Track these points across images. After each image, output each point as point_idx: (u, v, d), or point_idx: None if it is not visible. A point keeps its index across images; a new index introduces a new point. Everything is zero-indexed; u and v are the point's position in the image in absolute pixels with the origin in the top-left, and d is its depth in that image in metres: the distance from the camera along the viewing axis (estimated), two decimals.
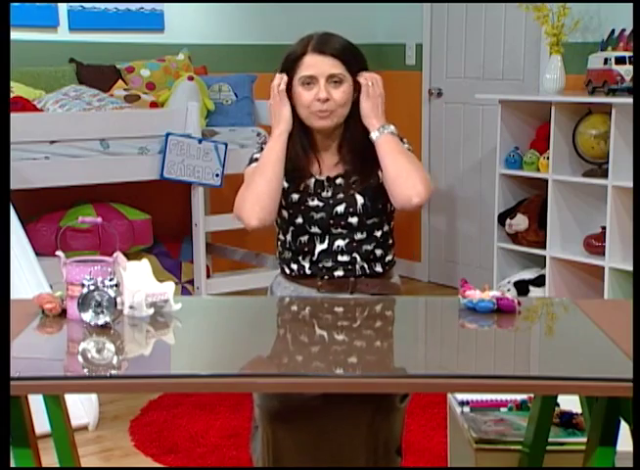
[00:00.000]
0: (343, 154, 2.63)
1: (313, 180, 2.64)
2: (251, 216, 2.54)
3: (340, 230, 2.62)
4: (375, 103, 2.57)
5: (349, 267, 2.63)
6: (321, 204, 2.62)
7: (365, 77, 2.58)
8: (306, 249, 2.64)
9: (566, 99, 4.73)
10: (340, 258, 2.63)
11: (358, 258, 2.63)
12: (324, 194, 2.63)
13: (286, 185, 2.62)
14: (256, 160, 2.66)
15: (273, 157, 2.57)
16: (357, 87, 2.60)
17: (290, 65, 2.58)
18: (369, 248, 2.64)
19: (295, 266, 2.65)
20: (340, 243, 2.63)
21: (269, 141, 2.61)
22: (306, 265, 2.64)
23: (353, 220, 2.60)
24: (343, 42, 2.59)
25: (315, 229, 2.62)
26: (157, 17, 5.45)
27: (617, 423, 2.08)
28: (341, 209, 2.61)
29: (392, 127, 2.58)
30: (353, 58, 2.59)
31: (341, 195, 2.61)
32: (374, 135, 2.56)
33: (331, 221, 2.61)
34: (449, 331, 2.40)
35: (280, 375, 2.00)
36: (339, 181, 2.63)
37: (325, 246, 2.63)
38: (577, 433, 2.62)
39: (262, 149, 2.67)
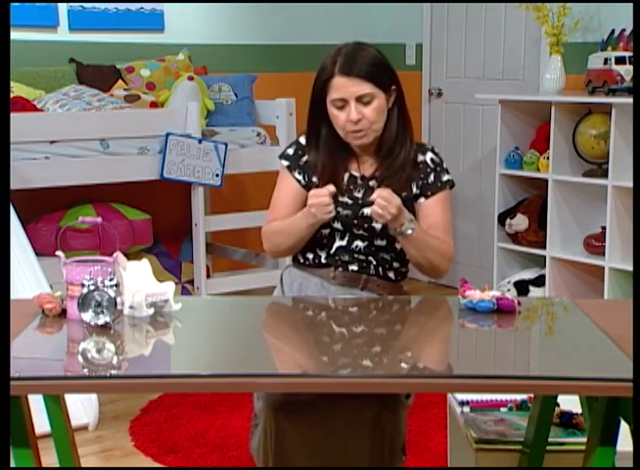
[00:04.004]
0: (380, 159, 2.67)
1: (347, 175, 2.67)
2: (272, 253, 2.76)
3: (361, 232, 2.64)
4: (387, 218, 2.52)
5: (364, 265, 2.64)
6: (350, 201, 2.65)
7: (376, 205, 2.51)
8: (325, 241, 2.66)
9: (566, 99, 4.73)
10: (356, 256, 2.65)
11: (374, 262, 2.65)
12: (355, 193, 2.66)
13: (316, 180, 2.66)
14: (287, 156, 2.72)
15: (299, 233, 2.62)
16: (390, 96, 2.62)
17: (320, 85, 2.61)
18: (386, 257, 2.67)
19: (310, 255, 2.68)
20: (359, 243, 2.65)
21: (303, 216, 2.60)
22: (322, 256, 2.66)
23: (377, 226, 2.63)
24: (372, 59, 2.58)
25: (338, 225, 2.64)
26: (157, 17, 5.45)
27: (617, 423, 2.08)
28: (368, 211, 2.61)
29: (410, 226, 2.55)
30: (382, 74, 2.59)
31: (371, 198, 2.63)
32: (391, 232, 2.58)
33: (355, 221, 2.63)
34: (449, 331, 2.40)
35: (280, 375, 2.00)
36: (372, 183, 2.66)
37: (344, 243, 2.66)
38: (577, 433, 2.62)
39: (297, 143, 2.72)
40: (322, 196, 2.53)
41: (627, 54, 4.57)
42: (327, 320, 2.43)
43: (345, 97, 2.56)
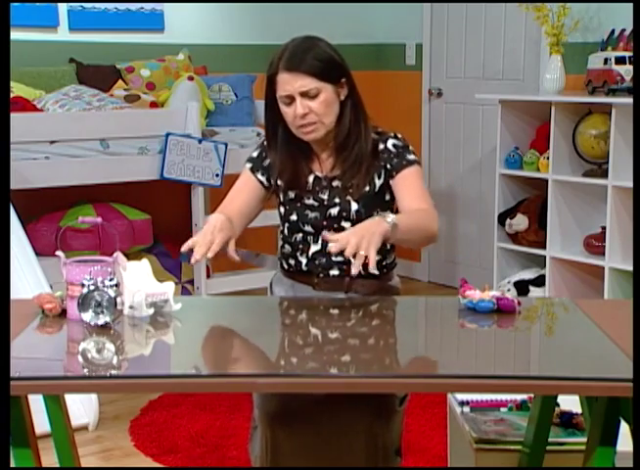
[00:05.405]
0: (338, 156, 2.64)
1: (313, 177, 2.65)
2: None
3: (333, 233, 2.61)
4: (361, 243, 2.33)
5: (344, 267, 2.62)
6: (316, 203, 2.63)
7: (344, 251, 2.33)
8: (301, 246, 2.64)
9: (566, 99, 4.73)
10: (334, 258, 2.62)
11: (353, 260, 2.62)
12: (320, 195, 2.63)
13: (281, 183, 2.64)
14: (251, 159, 2.71)
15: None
16: (341, 88, 2.58)
17: (268, 83, 2.58)
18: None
19: (292, 262, 2.66)
20: None
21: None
22: (303, 261, 2.64)
23: (346, 225, 2.59)
24: (316, 53, 2.54)
25: (308, 228, 2.62)
26: (157, 17, 5.45)
27: (617, 423, 2.08)
28: (334, 211, 2.60)
29: (387, 215, 2.41)
30: (328, 67, 2.55)
31: (336, 199, 2.61)
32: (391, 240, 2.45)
33: (324, 222, 2.61)
34: (449, 331, 2.40)
35: (280, 375, 2.00)
36: (335, 183, 2.63)
37: (319, 247, 2.62)
38: (577, 433, 2.62)
39: (262, 145, 2.71)
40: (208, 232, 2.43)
41: (627, 54, 4.57)
42: (324, 321, 2.43)
43: (290, 93, 2.52)
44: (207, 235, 2.41)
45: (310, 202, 2.63)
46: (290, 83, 2.52)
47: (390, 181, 2.62)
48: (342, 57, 2.60)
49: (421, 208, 2.57)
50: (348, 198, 2.60)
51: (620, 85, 4.51)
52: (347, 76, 2.60)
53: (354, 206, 2.60)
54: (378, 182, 2.61)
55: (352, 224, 2.57)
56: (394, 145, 2.64)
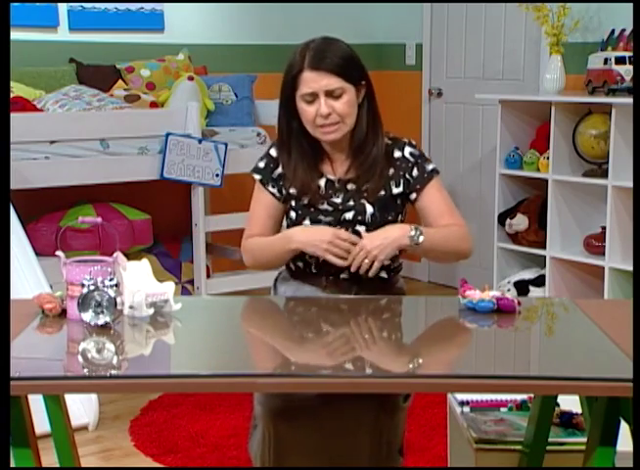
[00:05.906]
0: (351, 156, 2.63)
1: (324, 180, 2.64)
2: (252, 267, 2.76)
3: None
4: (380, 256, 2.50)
5: (355, 272, 2.62)
6: (330, 208, 2.61)
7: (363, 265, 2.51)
8: None
9: (566, 99, 4.73)
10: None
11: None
12: (334, 199, 2.62)
13: (293, 191, 2.63)
14: (259, 170, 2.68)
15: (282, 255, 2.63)
16: (360, 91, 2.59)
17: (289, 81, 2.57)
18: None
19: (301, 264, 2.65)
20: None
21: (289, 240, 2.59)
22: (312, 264, 2.63)
23: (361, 229, 2.59)
24: (341, 52, 2.55)
25: None
26: (157, 17, 5.45)
27: (617, 423, 2.08)
28: (349, 215, 2.60)
29: (416, 233, 2.52)
30: (352, 68, 2.56)
31: (351, 202, 2.61)
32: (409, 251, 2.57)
33: (338, 227, 2.60)
34: (449, 331, 2.40)
35: (280, 375, 2.00)
36: (350, 186, 2.63)
37: None
38: (577, 433, 2.62)
39: (268, 155, 2.68)
40: (344, 242, 2.52)
41: (627, 54, 4.57)
42: (324, 320, 2.43)
43: (315, 91, 2.52)
44: (331, 246, 2.51)
45: (324, 207, 2.62)
46: (315, 81, 2.52)
47: (413, 195, 2.64)
48: (359, 58, 2.61)
49: (450, 224, 2.63)
50: (363, 201, 2.60)
51: (620, 85, 4.51)
52: (367, 78, 2.62)
53: (369, 209, 2.60)
54: (396, 190, 2.63)
55: (367, 228, 2.58)
56: (412, 154, 2.66)
